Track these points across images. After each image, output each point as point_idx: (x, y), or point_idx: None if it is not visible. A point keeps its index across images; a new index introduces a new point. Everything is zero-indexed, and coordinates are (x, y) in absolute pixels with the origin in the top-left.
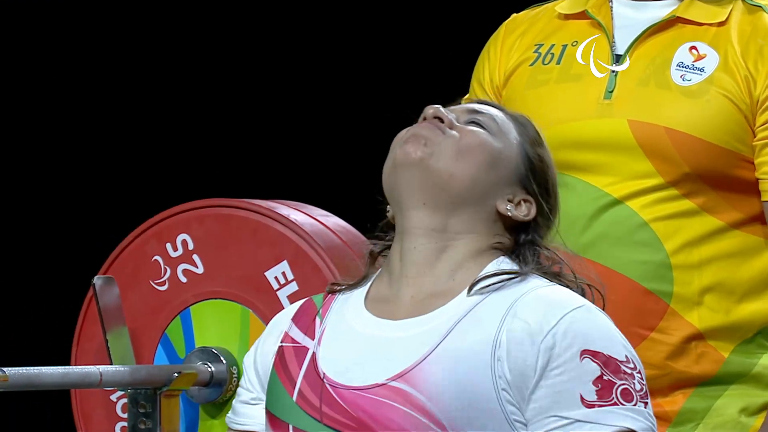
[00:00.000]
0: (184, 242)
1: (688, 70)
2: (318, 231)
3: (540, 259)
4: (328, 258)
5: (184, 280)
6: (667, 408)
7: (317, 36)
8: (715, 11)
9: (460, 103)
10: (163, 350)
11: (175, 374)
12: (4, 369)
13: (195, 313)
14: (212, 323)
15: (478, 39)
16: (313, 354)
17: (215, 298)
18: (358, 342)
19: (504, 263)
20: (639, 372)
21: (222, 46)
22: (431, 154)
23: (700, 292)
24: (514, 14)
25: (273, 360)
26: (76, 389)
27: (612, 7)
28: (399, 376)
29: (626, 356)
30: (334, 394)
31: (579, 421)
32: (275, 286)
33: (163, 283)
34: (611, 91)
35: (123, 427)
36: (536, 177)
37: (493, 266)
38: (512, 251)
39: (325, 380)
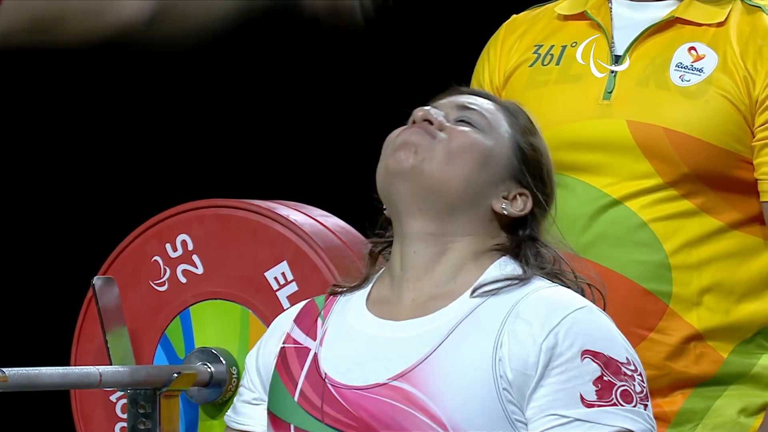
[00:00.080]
0: (184, 242)
1: (687, 70)
2: (317, 231)
3: (540, 257)
4: (327, 258)
5: (183, 280)
6: (667, 408)
7: (317, 36)
8: (714, 12)
9: (455, 87)
10: (163, 351)
11: (175, 375)
12: (4, 369)
13: (195, 313)
14: (212, 324)
15: (478, 39)
16: (315, 354)
17: (215, 299)
18: (359, 342)
19: (506, 264)
20: (640, 374)
21: (222, 45)
22: (422, 160)
23: (699, 293)
24: (514, 15)
25: (275, 361)
26: (75, 389)
27: (611, 7)
28: (400, 376)
29: (627, 358)
30: (335, 394)
31: (578, 420)
32: (275, 286)
33: (162, 284)
34: (610, 92)
35: (123, 428)
36: (530, 168)
37: (495, 268)
38: (512, 250)
39: (326, 380)
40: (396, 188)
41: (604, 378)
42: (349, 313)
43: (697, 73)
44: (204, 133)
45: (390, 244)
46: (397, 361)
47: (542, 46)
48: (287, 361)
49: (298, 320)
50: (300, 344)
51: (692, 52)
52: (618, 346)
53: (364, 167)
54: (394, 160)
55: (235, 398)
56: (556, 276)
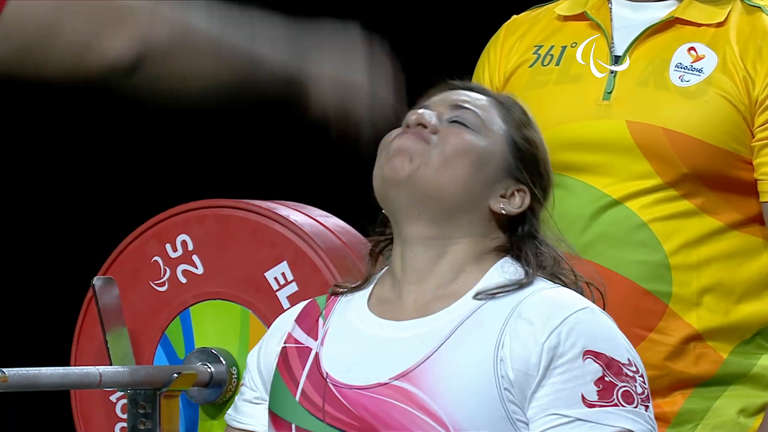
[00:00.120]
0: (184, 243)
1: (686, 70)
2: (318, 232)
3: (541, 256)
4: (327, 258)
5: (183, 280)
6: (666, 409)
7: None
8: (714, 12)
9: (448, 82)
10: (163, 351)
11: (175, 375)
12: (4, 369)
13: (195, 313)
14: (212, 324)
15: (478, 39)
16: (316, 354)
17: (215, 299)
18: (360, 342)
19: (507, 266)
20: (641, 375)
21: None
22: (418, 167)
23: (698, 293)
24: (514, 16)
25: (276, 361)
26: (75, 390)
27: (611, 8)
28: (402, 376)
29: (629, 359)
30: (336, 394)
31: (579, 419)
32: (275, 286)
33: (162, 284)
34: (610, 92)
35: (123, 428)
36: (526, 163)
37: (496, 270)
38: (513, 250)
39: (327, 380)
40: (393, 196)
41: (606, 378)
42: (351, 313)
43: (697, 73)
44: (204, 133)
45: (391, 241)
46: (399, 361)
47: (542, 46)
48: (288, 360)
49: (300, 320)
50: (301, 344)
51: (692, 52)
52: (620, 347)
53: (364, 168)
54: (390, 168)
55: (237, 397)
56: (556, 276)
